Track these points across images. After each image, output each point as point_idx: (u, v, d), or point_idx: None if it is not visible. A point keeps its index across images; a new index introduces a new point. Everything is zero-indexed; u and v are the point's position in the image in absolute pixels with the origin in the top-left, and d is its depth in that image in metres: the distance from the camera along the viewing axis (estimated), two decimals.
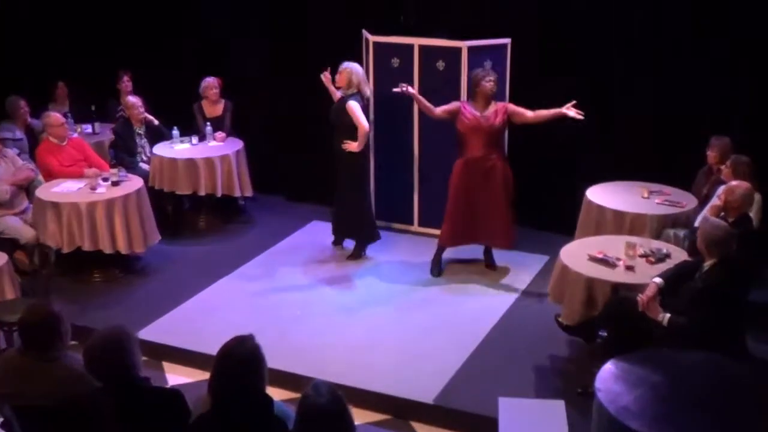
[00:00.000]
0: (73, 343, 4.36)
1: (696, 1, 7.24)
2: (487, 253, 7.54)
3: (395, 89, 7.07)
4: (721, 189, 6.11)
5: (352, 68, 7.33)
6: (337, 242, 7.99)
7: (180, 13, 9.45)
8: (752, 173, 6.19)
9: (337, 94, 7.56)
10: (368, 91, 7.53)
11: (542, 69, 7.78)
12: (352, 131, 7.28)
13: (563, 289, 5.83)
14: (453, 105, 7.11)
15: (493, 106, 7.03)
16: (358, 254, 7.77)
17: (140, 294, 7.21)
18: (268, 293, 7.15)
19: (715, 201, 6.12)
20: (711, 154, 6.70)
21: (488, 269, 7.48)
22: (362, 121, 7.25)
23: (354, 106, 7.25)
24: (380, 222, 8.24)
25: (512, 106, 7.06)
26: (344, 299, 7.04)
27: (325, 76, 7.57)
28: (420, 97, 7.14)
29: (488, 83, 6.98)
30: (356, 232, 7.78)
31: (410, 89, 7.06)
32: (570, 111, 6.75)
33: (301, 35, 8.75)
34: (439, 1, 8.05)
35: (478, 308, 6.85)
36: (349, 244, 7.90)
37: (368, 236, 7.78)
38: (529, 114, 6.97)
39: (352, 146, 7.30)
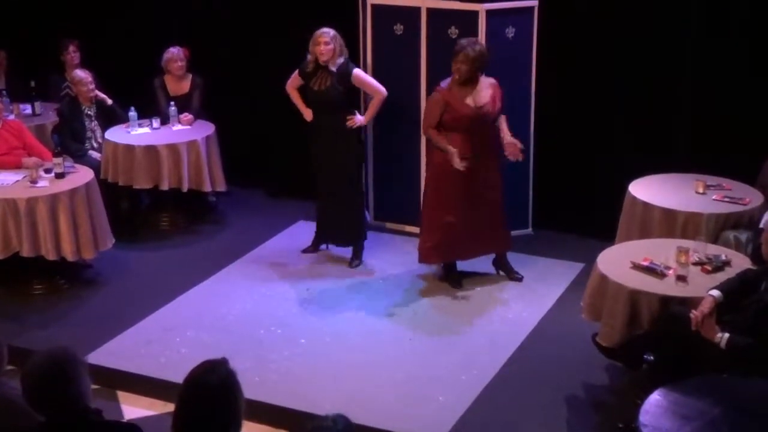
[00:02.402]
0: (10, 368, 4.37)
1: None
2: (502, 262, 7.53)
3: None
4: None
5: (337, 36, 7.38)
6: (316, 247, 8.02)
7: None
8: None
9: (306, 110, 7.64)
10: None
11: (576, 38, 7.78)
12: (348, 108, 7.42)
13: (601, 303, 5.83)
14: (436, 107, 6.97)
15: (484, 85, 6.96)
16: (358, 259, 7.81)
17: (90, 309, 7.22)
18: (245, 309, 7.16)
19: None
20: None
21: (513, 281, 7.49)
22: (380, 86, 7.49)
23: (363, 73, 7.48)
24: (380, 222, 8.27)
25: (500, 101, 7.03)
26: (337, 315, 7.05)
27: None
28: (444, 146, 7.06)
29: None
30: (355, 235, 7.81)
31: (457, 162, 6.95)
32: (508, 148, 6.87)
33: None
34: None
35: (498, 326, 6.86)
36: (335, 248, 7.96)
37: (364, 237, 7.85)
38: (500, 118, 7.04)
39: (359, 119, 7.44)
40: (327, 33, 7.34)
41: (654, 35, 7.58)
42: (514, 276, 7.50)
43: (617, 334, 5.70)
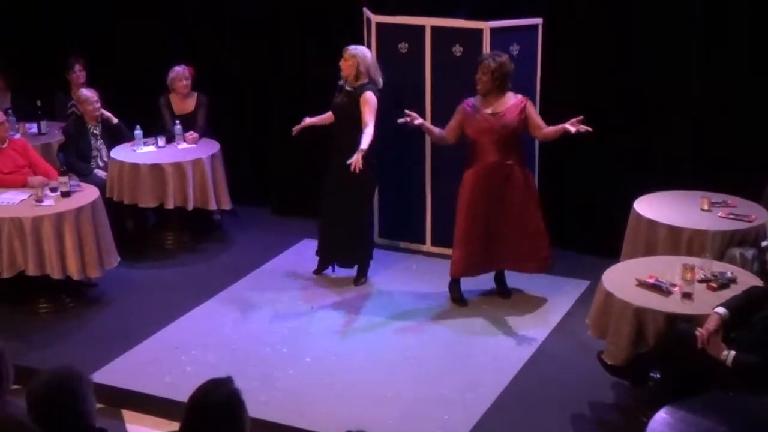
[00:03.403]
0: (14, 387, 4.37)
1: None
2: (499, 277, 7.55)
3: (400, 120, 7.07)
4: None
5: (358, 54, 7.35)
6: (322, 269, 7.99)
7: None
8: None
9: (325, 118, 7.63)
10: (381, 80, 7.52)
11: (580, 56, 7.80)
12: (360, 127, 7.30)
13: (607, 321, 5.83)
14: (457, 115, 7.12)
15: (510, 99, 7.02)
16: (363, 278, 7.81)
17: (95, 328, 7.22)
18: (250, 327, 7.15)
19: None
20: None
21: (502, 298, 7.50)
22: (371, 125, 7.20)
23: (371, 100, 7.26)
24: (385, 240, 8.27)
25: (531, 109, 7.04)
26: (342, 334, 7.05)
27: (304, 122, 7.64)
28: (430, 127, 7.19)
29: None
30: (358, 255, 7.80)
31: (417, 120, 7.05)
32: (573, 127, 6.71)
33: (288, 14, 8.78)
34: None
35: (504, 344, 6.86)
36: (341, 269, 7.94)
37: (369, 256, 7.83)
38: (543, 130, 6.98)
39: (358, 162, 7.06)
40: (347, 50, 7.35)
41: (659, 51, 7.59)
42: (502, 291, 7.52)
43: (623, 352, 5.69)
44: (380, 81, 7.48)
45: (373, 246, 7.91)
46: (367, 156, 7.23)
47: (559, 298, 7.49)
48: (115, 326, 7.20)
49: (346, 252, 7.80)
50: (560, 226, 7.84)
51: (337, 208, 7.61)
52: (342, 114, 7.42)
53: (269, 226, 9.10)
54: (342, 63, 7.35)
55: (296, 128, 7.67)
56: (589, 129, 6.69)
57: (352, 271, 7.84)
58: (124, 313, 7.42)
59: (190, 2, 9.32)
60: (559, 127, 6.83)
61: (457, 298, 7.43)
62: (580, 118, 6.72)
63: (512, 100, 7.01)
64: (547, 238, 7.25)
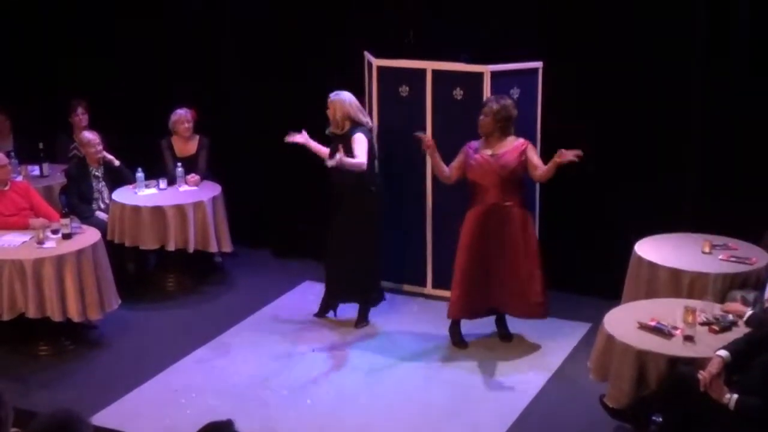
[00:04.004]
0: (14, 429, 4.35)
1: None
2: (500, 320, 7.53)
3: (416, 134, 7.13)
4: None
5: (335, 101, 7.40)
6: (324, 312, 7.97)
7: (143, 34, 9.54)
8: None
9: (323, 150, 7.65)
10: (367, 120, 7.58)
11: (581, 98, 7.83)
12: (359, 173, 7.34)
13: (608, 364, 5.82)
14: (460, 155, 7.18)
15: (512, 142, 7.06)
16: (364, 320, 7.79)
17: (95, 370, 7.20)
18: (250, 369, 7.13)
19: None
20: None
21: (503, 341, 7.48)
22: (363, 157, 7.25)
23: (360, 139, 7.32)
24: (386, 283, 8.24)
25: (531, 152, 7.07)
26: (342, 377, 7.03)
27: (302, 136, 7.63)
28: (439, 160, 7.18)
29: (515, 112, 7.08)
30: (361, 293, 7.80)
31: (427, 145, 7.07)
32: (559, 158, 6.71)
33: (290, 59, 8.84)
34: (456, 15, 8.14)
35: (505, 387, 6.84)
36: (343, 311, 7.92)
37: (375, 298, 7.83)
38: (538, 170, 6.98)
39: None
40: (329, 96, 7.43)
41: (659, 94, 7.63)
42: (503, 334, 7.50)
43: (625, 395, 5.68)
44: (368, 121, 7.56)
45: (378, 291, 7.90)
46: (369, 197, 7.39)
47: (560, 340, 7.47)
48: (115, 369, 7.18)
49: (350, 290, 7.78)
50: (561, 268, 7.85)
51: (341, 250, 7.63)
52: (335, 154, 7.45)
53: (270, 268, 9.11)
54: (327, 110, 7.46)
55: (290, 137, 7.62)
56: (579, 154, 6.67)
57: (354, 313, 7.83)
58: (125, 356, 7.40)
59: (192, 49, 9.36)
60: (550, 163, 6.85)
61: (458, 341, 7.41)
62: (575, 152, 6.70)
63: (514, 143, 7.05)
64: (542, 284, 7.22)
